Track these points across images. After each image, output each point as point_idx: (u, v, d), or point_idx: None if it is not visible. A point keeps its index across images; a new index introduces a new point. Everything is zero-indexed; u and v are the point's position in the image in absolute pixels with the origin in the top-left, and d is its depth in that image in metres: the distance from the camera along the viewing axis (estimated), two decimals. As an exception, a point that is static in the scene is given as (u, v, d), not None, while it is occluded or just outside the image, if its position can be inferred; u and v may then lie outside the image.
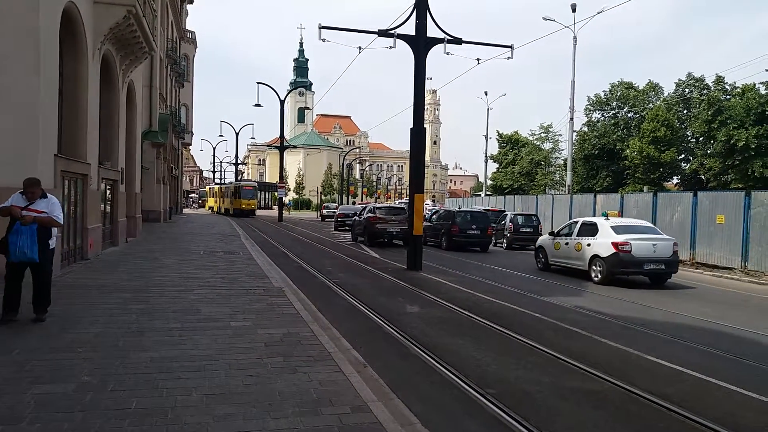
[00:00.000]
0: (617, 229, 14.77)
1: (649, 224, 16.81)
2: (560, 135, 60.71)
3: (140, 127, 23.09)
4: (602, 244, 14.59)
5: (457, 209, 27.57)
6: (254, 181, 70.23)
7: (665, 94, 49.33)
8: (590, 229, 15.60)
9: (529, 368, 6.73)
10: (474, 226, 23.23)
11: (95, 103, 14.81)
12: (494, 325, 8.82)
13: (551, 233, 17.76)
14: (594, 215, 25.03)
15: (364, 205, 33.06)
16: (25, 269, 7.36)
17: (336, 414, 4.70)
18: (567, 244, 16.24)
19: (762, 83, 37.96)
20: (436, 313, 10.06)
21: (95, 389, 5.03)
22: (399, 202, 47.13)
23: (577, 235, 15.96)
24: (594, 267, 14.83)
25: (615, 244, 14.17)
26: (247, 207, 53.60)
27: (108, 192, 16.99)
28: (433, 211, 29.53)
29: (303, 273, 14.60)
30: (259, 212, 61.01)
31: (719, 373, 6.67)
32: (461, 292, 12.49)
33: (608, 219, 15.78)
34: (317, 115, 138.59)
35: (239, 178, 76.07)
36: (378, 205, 30.03)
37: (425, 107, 17.91)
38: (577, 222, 16.80)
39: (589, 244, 15.11)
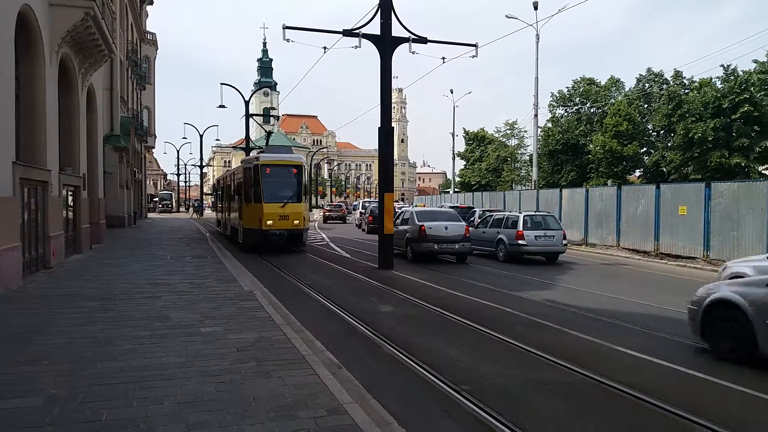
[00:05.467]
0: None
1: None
2: (525, 131, 61.61)
3: (101, 131, 22.61)
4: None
5: (375, 204, 32.90)
6: (291, 149, 25.86)
7: (626, 89, 50.33)
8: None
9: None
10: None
11: (54, 107, 14.45)
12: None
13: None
14: (560, 209, 25.74)
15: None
16: None
17: (312, 417, 4.67)
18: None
19: (718, 78, 39.07)
20: (411, 312, 10.10)
21: (64, 402, 4.90)
22: (364, 201, 46.61)
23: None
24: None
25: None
26: (277, 226, 19.88)
27: (70, 198, 16.60)
28: (362, 205, 42.09)
29: (273, 275, 14.47)
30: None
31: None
32: (434, 289, 12.56)
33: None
34: (283, 115, 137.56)
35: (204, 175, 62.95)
36: (327, 204, 55.62)
37: (392, 106, 17.90)
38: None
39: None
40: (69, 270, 13.66)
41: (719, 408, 5.47)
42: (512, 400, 5.61)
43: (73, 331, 7.46)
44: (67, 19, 14.32)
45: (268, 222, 19.66)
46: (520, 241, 18.02)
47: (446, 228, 17.90)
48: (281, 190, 20.36)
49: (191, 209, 67.87)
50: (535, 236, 18.10)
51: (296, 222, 20.07)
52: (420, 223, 17.90)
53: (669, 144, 43.15)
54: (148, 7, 49.64)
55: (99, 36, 16.07)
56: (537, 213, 20.35)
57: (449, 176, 65.22)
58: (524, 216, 18.76)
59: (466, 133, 64.87)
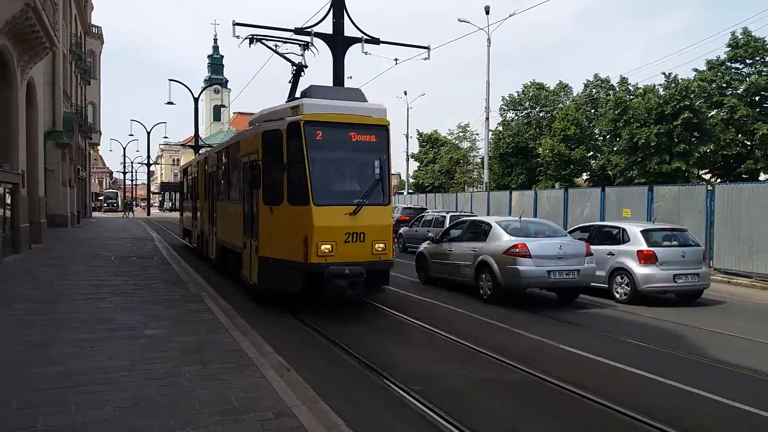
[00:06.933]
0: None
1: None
2: (477, 134, 62.30)
3: (43, 127, 21.78)
4: None
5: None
6: (361, 93, 10.56)
7: (575, 94, 51.62)
8: None
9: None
10: None
11: (-9, 101, 13.84)
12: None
13: None
14: (510, 211, 26.22)
15: None
16: None
17: (258, 420, 4.59)
18: None
19: (660, 85, 40.45)
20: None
21: (-5, 409, 4.68)
22: None
23: None
24: None
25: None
26: (343, 256, 9.11)
27: (8, 196, 15.92)
28: None
29: (221, 277, 14.19)
30: (168, 215, 43.24)
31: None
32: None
33: None
34: (234, 113, 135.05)
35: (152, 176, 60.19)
36: None
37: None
38: None
39: None
40: (6, 270, 13.08)
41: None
42: (461, 399, 5.67)
43: (8, 334, 7.14)
44: (5, 10, 13.76)
45: (324, 247, 9.14)
46: None
47: None
48: (349, 179, 10.18)
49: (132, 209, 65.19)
50: None
51: (379, 247, 9.60)
52: None
53: (615, 148, 44.45)
54: (93, 0, 48.12)
55: (40, 28, 15.49)
56: (461, 213, 22.66)
57: (403, 177, 65.50)
58: (450, 216, 20.39)
59: (420, 135, 65.34)
